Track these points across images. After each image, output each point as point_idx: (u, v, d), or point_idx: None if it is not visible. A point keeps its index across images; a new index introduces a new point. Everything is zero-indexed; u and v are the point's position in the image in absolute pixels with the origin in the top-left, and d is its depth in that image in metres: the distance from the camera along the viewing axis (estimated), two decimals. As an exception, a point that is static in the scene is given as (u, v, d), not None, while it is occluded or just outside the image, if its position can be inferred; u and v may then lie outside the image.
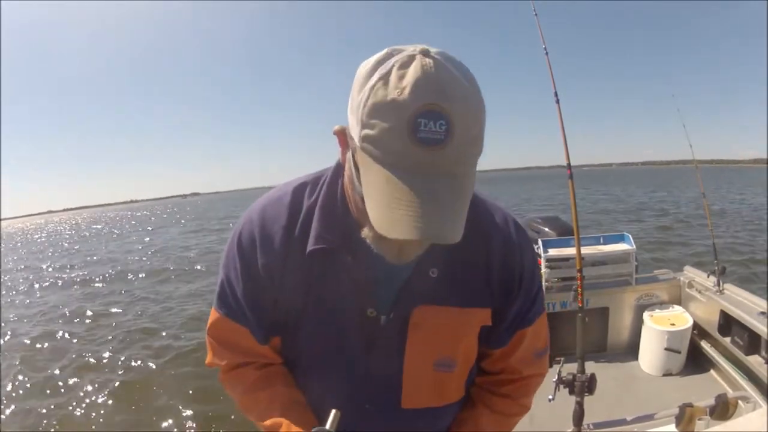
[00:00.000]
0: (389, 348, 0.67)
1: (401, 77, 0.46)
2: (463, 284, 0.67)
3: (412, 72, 0.46)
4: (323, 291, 0.66)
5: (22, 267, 13.59)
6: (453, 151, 0.46)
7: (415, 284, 0.64)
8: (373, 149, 0.48)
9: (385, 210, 0.47)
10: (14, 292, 9.25)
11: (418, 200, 0.46)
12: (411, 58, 0.47)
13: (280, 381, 0.73)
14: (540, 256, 2.86)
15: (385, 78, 0.46)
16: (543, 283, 0.99)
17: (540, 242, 2.94)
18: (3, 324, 6.53)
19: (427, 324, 0.66)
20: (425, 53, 0.47)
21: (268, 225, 0.66)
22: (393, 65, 0.47)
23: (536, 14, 2.01)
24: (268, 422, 0.70)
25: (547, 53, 1.97)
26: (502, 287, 0.69)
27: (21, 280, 10.80)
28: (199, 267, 10.20)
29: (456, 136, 0.45)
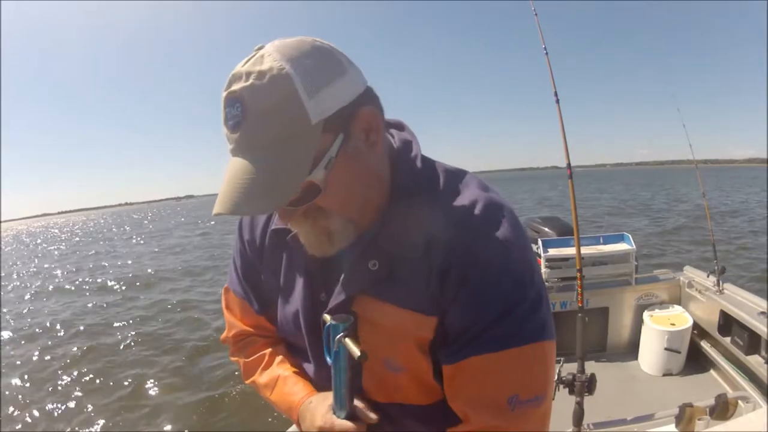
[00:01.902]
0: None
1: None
2: (403, 282, 0.59)
3: (232, 72, 0.51)
4: (289, 272, 0.70)
5: (34, 269, 13.60)
6: (250, 127, 0.49)
7: (353, 274, 0.61)
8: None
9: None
10: (25, 291, 9.24)
11: (226, 179, 0.50)
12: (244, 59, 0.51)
13: (283, 345, 0.78)
14: (540, 255, 2.86)
15: None
16: (545, 300, 0.60)
17: (540, 242, 2.94)
18: (3, 324, 6.53)
19: (370, 318, 0.61)
20: (258, 48, 0.51)
21: None
22: None
23: (536, 14, 2.01)
24: (265, 378, 0.75)
25: (546, 53, 1.97)
26: (443, 287, 0.57)
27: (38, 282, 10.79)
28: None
29: (250, 112, 0.48)
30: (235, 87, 0.49)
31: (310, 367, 0.73)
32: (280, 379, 0.73)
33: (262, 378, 0.75)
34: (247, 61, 0.50)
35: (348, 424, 0.61)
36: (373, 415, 0.63)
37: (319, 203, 0.54)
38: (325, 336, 0.60)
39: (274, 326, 0.77)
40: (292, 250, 0.67)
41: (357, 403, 0.63)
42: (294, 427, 1.44)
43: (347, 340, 0.57)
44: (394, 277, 0.59)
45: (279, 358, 0.76)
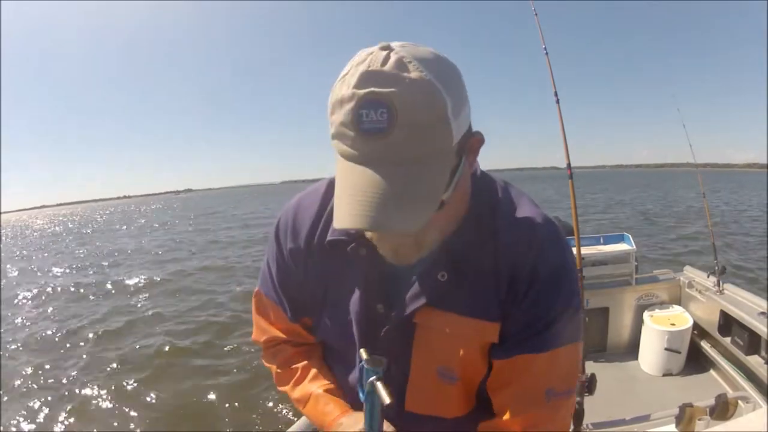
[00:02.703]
0: (396, 346, 0.66)
1: (353, 74, 0.47)
2: (471, 292, 0.62)
3: (362, 67, 0.46)
4: (339, 282, 0.69)
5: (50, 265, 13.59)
6: (398, 138, 0.46)
7: (422, 285, 0.63)
8: (337, 144, 0.50)
9: (337, 201, 0.49)
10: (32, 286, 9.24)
11: (359, 190, 0.47)
12: (368, 55, 0.47)
13: (316, 357, 0.79)
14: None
15: (342, 77, 0.48)
16: (581, 311, 0.70)
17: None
18: (3, 325, 6.53)
19: (431, 327, 0.64)
20: (384, 48, 0.48)
21: (300, 214, 0.71)
22: (352, 64, 0.48)
23: (536, 14, 2.01)
24: (298, 394, 0.76)
25: (546, 53, 1.97)
26: (509, 293, 0.62)
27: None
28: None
29: (399, 122, 0.45)
30: (381, 89, 0.45)
31: (350, 373, 0.73)
32: (313, 397, 0.74)
33: (294, 393, 0.77)
34: (384, 62, 0.46)
35: None
36: None
37: (433, 216, 0.53)
38: (358, 373, 0.64)
39: (307, 333, 0.78)
40: (346, 261, 0.66)
41: (386, 428, 0.65)
42: (295, 427, 1.47)
43: (378, 385, 0.59)
44: (460, 287, 0.62)
45: (312, 373, 0.77)
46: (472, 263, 0.61)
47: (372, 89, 0.45)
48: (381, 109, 0.45)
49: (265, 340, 0.81)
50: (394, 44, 0.48)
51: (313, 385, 0.75)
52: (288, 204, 0.75)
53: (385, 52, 0.47)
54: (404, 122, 0.45)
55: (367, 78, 0.46)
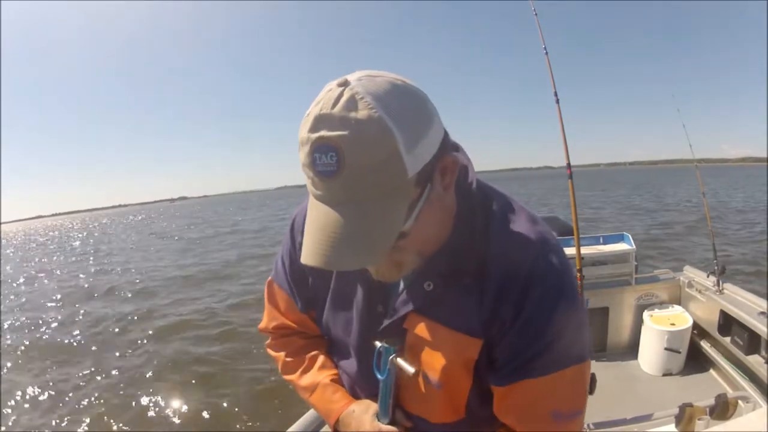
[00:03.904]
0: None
1: (311, 116, 0.48)
2: (455, 304, 0.63)
3: (316, 108, 0.48)
4: (344, 280, 0.72)
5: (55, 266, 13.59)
6: (348, 180, 0.47)
7: (410, 293, 0.65)
8: (305, 178, 0.52)
9: (305, 235, 0.53)
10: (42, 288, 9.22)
11: (319, 227, 0.51)
12: (326, 93, 0.48)
13: (323, 349, 0.82)
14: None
15: (306, 115, 0.49)
16: (586, 324, 0.69)
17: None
18: (4, 324, 6.53)
19: (417, 334, 0.66)
20: (341, 84, 0.48)
21: None
22: (314, 102, 0.49)
23: (536, 14, 2.01)
24: (306, 382, 0.80)
25: (546, 53, 1.97)
26: (495, 313, 0.61)
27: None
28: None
29: (348, 164, 0.46)
30: (328, 133, 0.46)
31: (350, 365, 0.76)
32: (320, 386, 0.78)
33: (302, 381, 0.81)
34: (336, 102, 0.47)
35: (393, 429, 0.69)
36: (407, 422, 0.71)
37: (399, 244, 0.54)
38: (376, 356, 0.68)
39: (315, 325, 0.81)
40: None
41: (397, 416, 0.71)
42: (294, 426, 1.46)
43: (399, 360, 0.65)
44: (445, 299, 0.63)
45: (319, 362, 0.80)
46: (459, 276, 0.61)
47: (322, 134, 0.46)
48: (330, 152, 0.46)
49: (274, 327, 0.84)
50: (352, 77, 0.49)
51: (321, 374, 0.79)
52: (303, 203, 0.76)
53: (340, 89, 0.47)
54: (353, 164, 0.46)
55: (318, 121, 0.47)
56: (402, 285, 0.67)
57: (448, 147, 0.55)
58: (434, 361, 0.65)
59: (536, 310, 0.58)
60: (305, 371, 0.80)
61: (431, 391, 0.67)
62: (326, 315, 0.76)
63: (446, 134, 0.55)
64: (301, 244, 0.71)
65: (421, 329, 0.65)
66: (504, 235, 0.61)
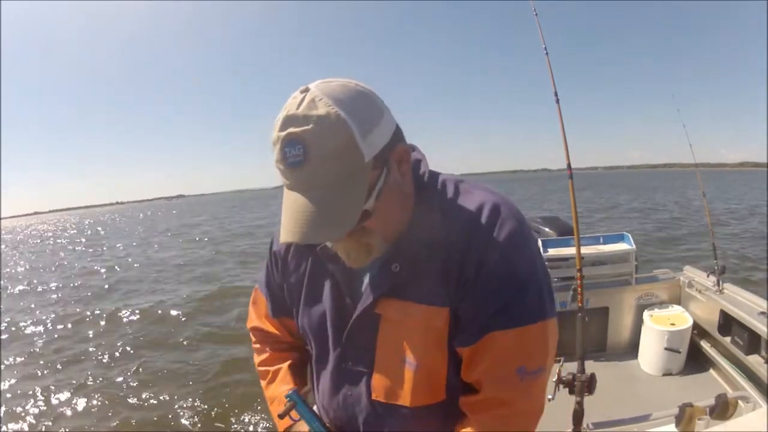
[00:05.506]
0: (363, 337, 0.73)
1: (279, 119, 0.56)
2: (423, 280, 0.67)
3: (283, 113, 0.56)
4: (316, 279, 0.78)
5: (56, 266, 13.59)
6: (313, 167, 0.55)
7: (379, 277, 0.70)
8: (278, 174, 0.59)
9: (282, 220, 0.60)
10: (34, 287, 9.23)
11: (293, 211, 0.57)
12: (292, 99, 0.57)
13: (292, 361, 0.91)
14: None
15: (276, 120, 0.57)
16: (549, 283, 0.71)
17: (540, 242, 2.93)
18: (4, 324, 6.53)
19: (390, 317, 0.70)
20: (303, 90, 0.57)
21: None
22: (281, 108, 0.57)
23: (536, 14, 2.01)
24: (268, 393, 0.90)
25: (547, 53, 1.97)
26: (459, 278, 0.65)
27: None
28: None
29: (312, 154, 0.54)
30: (295, 129, 0.54)
31: (326, 374, 0.80)
32: (276, 400, 0.87)
33: (266, 392, 0.91)
34: (300, 104, 0.55)
35: None
36: None
37: (365, 225, 0.62)
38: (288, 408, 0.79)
39: (286, 332, 0.90)
40: (316, 260, 0.76)
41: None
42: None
43: (294, 395, 0.79)
44: (413, 277, 0.67)
45: (280, 376, 0.89)
46: (422, 253, 0.66)
47: (290, 131, 0.55)
48: (298, 145, 0.54)
49: (251, 328, 0.95)
50: (312, 85, 0.58)
51: (279, 388, 0.87)
52: None
53: (302, 95, 0.56)
54: (317, 154, 0.54)
55: (286, 122, 0.55)
56: (369, 275, 0.72)
57: (401, 138, 0.64)
58: (409, 340, 0.69)
59: (499, 260, 0.63)
60: (270, 382, 0.90)
61: (409, 374, 0.70)
62: (301, 314, 0.81)
63: (398, 127, 0.64)
64: (275, 253, 0.85)
65: (394, 310, 0.69)
66: (461, 204, 0.67)
